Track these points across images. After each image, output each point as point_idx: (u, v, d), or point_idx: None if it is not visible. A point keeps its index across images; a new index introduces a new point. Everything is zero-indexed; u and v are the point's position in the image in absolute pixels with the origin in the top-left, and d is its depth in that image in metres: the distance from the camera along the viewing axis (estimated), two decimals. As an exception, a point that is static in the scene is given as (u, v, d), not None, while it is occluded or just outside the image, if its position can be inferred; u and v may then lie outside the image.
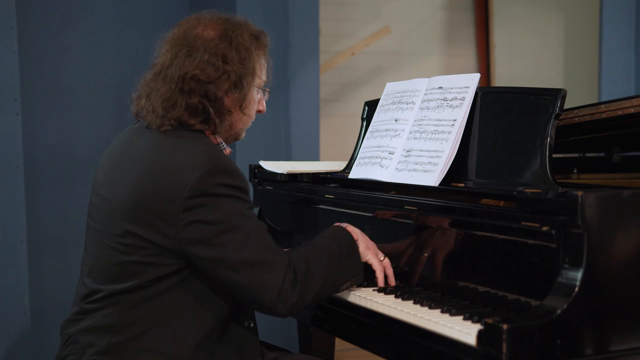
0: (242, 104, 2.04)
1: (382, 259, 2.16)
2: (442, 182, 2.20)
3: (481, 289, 1.96)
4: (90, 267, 2.02)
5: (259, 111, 2.15)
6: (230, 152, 2.10)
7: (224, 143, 2.08)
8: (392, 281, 2.17)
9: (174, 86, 1.96)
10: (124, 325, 1.92)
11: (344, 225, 2.14)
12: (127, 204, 1.92)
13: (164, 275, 1.91)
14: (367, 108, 2.76)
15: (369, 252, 2.13)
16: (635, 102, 2.28)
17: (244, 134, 2.15)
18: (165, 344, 1.92)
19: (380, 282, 2.15)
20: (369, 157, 2.50)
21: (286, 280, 1.88)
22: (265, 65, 2.12)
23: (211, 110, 1.97)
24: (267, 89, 2.15)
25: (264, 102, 2.16)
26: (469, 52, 5.75)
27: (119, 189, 1.96)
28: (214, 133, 2.03)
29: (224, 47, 1.99)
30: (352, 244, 2.09)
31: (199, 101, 1.96)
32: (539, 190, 1.90)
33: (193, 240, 1.86)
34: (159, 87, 1.98)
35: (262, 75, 2.10)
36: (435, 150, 2.25)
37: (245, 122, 2.11)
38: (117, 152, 2.06)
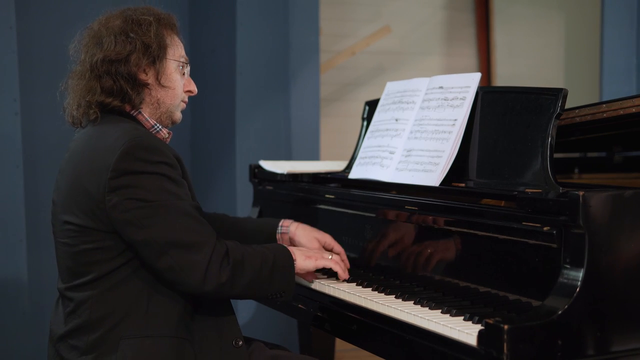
0: (157, 75, 2.05)
1: (330, 257, 2.18)
2: (443, 182, 2.19)
3: (482, 289, 1.95)
4: (58, 269, 2.08)
5: (189, 92, 2.15)
6: (170, 134, 2.12)
7: (158, 125, 2.09)
8: (347, 273, 2.22)
9: (88, 74, 2.02)
10: (97, 320, 1.94)
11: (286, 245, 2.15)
12: (64, 198, 2.00)
13: (119, 259, 1.93)
14: (367, 108, 2.76)
15: (313, 260, 2.14)
16: (636, 101, 2.27)
17: (179, 115, 2.13)
18: (144, 327, 1.93)
19: (341, 274, 2.19)
20: (370, 157, 2.49)
21: (213, 259, 1.90)
22: (178, 41, 2.12)
23: (127, 87, 2.01)
24: (186, 63, 2.13)
25: (193, 84, 2.16)
26: (469, 51, 5.74)
27: (61, 189, 2.04)
28: (134, 108, 2.05)
29: (127, 26, 2.03)
30: (289, 260, 2.07)
31: (114, 81, 2.00)
32: (540, 190, 1.89)
33: (122, 221, 1.88)
34: (80, 84, 2.04)
35: (175, 49, 2.10)
36: (435, 150, 2.25)
37: (172, 96, 2.09)
38: (63, 160, 2.10)
